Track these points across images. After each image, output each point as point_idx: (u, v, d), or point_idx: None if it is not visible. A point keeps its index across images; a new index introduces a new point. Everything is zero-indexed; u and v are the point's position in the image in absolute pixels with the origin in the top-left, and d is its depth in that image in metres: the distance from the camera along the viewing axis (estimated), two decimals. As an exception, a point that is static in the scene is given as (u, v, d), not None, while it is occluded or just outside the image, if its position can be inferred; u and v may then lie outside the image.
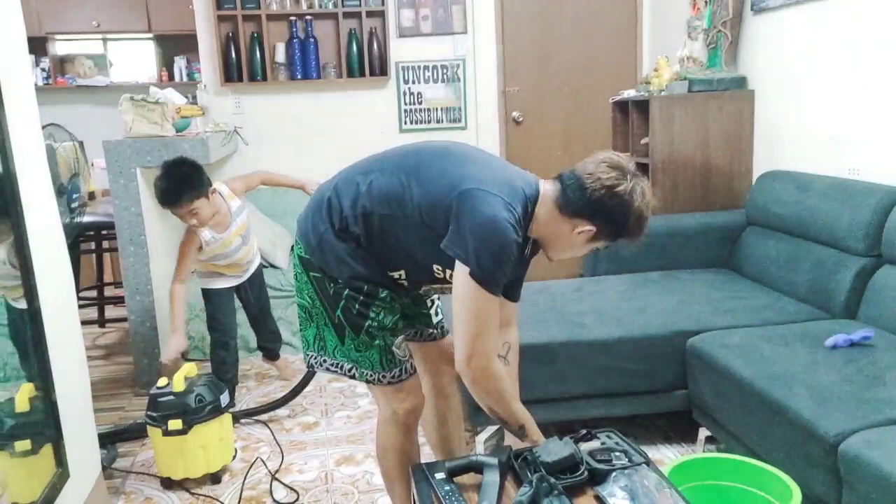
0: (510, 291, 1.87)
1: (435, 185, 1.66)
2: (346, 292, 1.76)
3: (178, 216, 2.86)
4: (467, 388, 1.69)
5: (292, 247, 1.92)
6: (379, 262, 1.76)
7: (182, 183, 2.78)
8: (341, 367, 1.86)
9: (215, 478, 2.55)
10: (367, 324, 1.78)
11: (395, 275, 1.79)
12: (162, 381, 2.54)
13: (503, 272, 1.61)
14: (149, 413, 2.49)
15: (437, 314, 2.06)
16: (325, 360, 1.88)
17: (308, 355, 1.92)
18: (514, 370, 1.94)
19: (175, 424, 2.43)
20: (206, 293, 3.12)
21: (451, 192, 1.62)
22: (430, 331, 2.04)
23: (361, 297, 1.76)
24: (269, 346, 3.43)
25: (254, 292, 3.25)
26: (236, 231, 3.00)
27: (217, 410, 2.52)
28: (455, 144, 1.83)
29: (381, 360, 1.81)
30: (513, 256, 1.62)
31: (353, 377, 1.86)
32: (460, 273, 1.60)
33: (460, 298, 1.62)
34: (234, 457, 2.68)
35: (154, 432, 2.48)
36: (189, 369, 2.60)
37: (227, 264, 3.06)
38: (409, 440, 1.94)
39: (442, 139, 5.10)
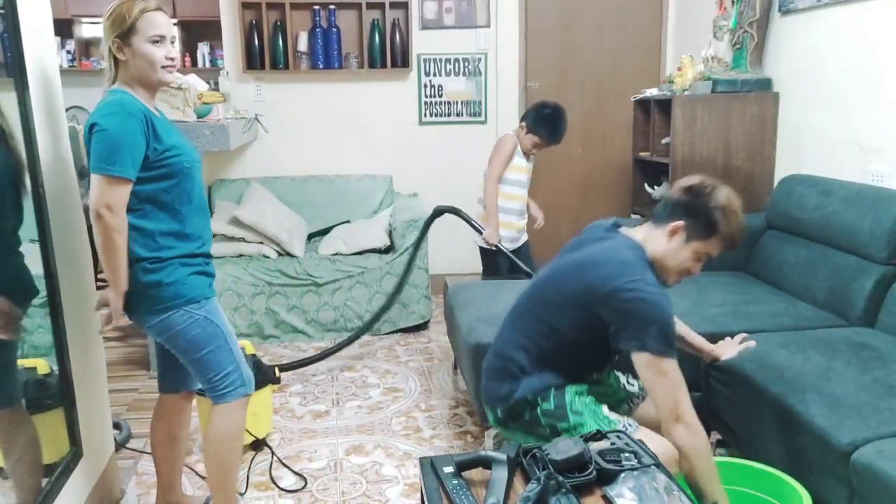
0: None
1: (568, 299, 1.84)
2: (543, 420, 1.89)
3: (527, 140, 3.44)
4: (678, 448, 1.74)
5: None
6: (571, 371, 1.92)
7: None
8: None
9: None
10: (564, 426, 1.88)
11: (593, 376, 1.99)
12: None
13: (674, 335, 1.75)
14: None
15: (629, 383, 2.13)
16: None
17: None
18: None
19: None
20: (489, 254, 3.52)
21: (591, 298, 1.78)
22: (636, 400, 2.12)
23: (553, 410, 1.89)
24: None
25: (528, 264, 3.53)
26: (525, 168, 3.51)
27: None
28: (559, 261, 1.97)
29: (600, 419, 1.89)
30: (672, 316, 1.75)
31: None
32: (641, 360, 1.73)
33: (651, 381, 1.74)
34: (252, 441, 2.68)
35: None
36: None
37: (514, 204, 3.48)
38: None
39: (462, 135, 5.04)
